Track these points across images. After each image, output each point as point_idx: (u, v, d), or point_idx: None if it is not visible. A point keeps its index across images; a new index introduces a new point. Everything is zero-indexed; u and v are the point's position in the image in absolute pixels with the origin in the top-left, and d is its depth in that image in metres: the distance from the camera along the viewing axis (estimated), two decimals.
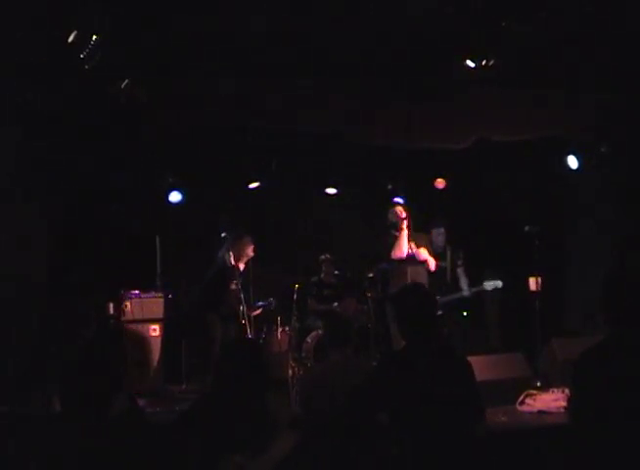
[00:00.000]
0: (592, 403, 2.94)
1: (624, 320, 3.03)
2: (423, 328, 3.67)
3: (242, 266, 7.72)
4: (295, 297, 8.11)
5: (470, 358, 3.85)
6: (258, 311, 7.90)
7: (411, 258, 7.17)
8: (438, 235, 7.74)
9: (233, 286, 7.58)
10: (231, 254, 7.56)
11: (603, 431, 2.90)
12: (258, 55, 6.53)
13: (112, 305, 7.78)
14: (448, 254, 7.75)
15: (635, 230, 8.18)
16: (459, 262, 7.75)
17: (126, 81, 6.13)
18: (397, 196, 9.23)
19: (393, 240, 7.20)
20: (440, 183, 9.31)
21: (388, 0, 5.64)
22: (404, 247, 7.07)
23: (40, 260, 6.89)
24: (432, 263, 7.35)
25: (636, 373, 2.89)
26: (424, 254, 7.28)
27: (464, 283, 7.70)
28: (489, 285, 7.61)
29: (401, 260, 7.17)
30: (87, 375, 3.04)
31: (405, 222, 7.07)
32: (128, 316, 7.74)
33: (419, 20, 5.99)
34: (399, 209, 7.26)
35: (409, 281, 6.89)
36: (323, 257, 8.79)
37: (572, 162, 8.41)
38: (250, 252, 7.72)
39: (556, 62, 6.84)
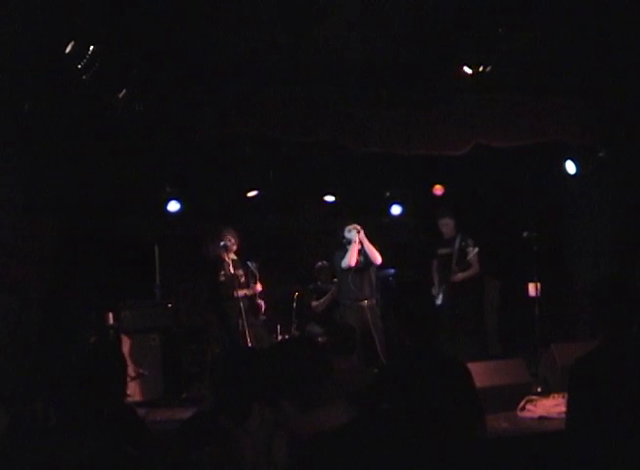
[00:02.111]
0: (588, 408, 2.95)
1: (618, 324, 3.03)
2: (423, 331, 3.67)
3: (227, 257, 7.71)
4: (294, 305, 8.10)
5: (470, 365, 3.86)
6: (258, 288, 7.79)
7: (356, 268, 7.64)
8: (443, 225, 8.09)
9: (222, 277, 7.60)
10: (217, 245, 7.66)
11: (599, 435, 2.90)
12: (256, 63, 6.55)
13: (111, 315, 7.78)
14: (457, 241, 7.87)
15: (633, 235, 8.18)
16: (469, 249, 7.84)
17: (124, 91, 6.13)
18: (396, 203, 9.26)
19: (344, 253, 7.65)
20: (439, 190, 9.32)
21: (388, 7, 5.65)
22: (354, 258, 7.57)
23: (40, 270, 6.89)
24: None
25: (631, 377, 2.90)
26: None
27: (474, 269, 7.89)
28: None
29: (348, 269, 7.61)
30: (86, 385, 3.03)
31: (359, 237, 7.57)
32: (127, 326, 7.73)
33: (417, 26, 6.01)
34: (355, 226, 7.64)
35: (357, 292, 7.58)
36: (320, 264, 8.78)
37: (571, 167, 8.41)
38: (227, 241, 7.72)
39: (554, 67, 6.86)
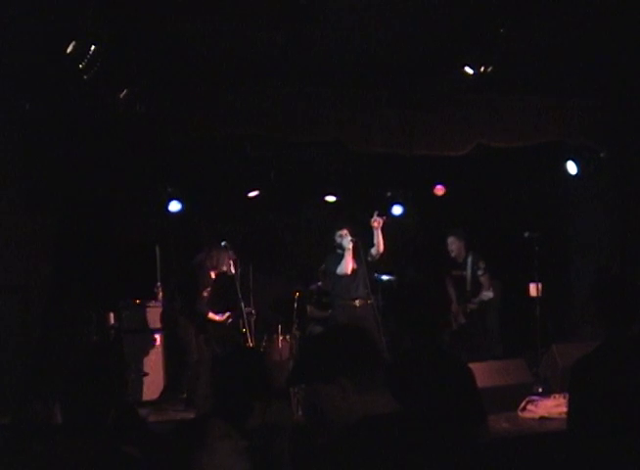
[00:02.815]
0: (589, 408, 2.94)
1: (618, 324, 3.03)
2: (424, 331, 3.66)
3: (213, 275, 7.59)
4: (295, 305, 8.10)
5: (471, 365, 3.85)
6: (223, 317, 7.68)
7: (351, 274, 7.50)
8: (449, 244, 8.10)
9: (205, 293, 7.49)
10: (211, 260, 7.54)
11: (600, 435, 2.89)
12: (257, 63, 6.55)
13: (112, 315, 7.78)
14: (469, 262, 7.88)
15: (634, 235, 8.17)
16: (479, 272, 7.92)
17: (125, 91, 6.13)
18: (397, 203, 9.26)
19: (338, 258, 7.50)
20: (440, 190, 9.32)
21: (388, 8, 5.64)
22: (350, 265, 7.43)
23: (41, 270, 6.89)
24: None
25: (631, 377, 2.90)
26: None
27: (487, 292, 7.91)
28: (485, 295, 7.93)
29: (345, 276, 7.48)
30: (88, 385, 3.03)
31: (352, 244, 7.38)
32: (128, 326, 7.73)
33: (418, 26, 6.01)
34: (345, 232, 7.47)
35: (352, 293, 7.45)
36: (324, 266, 8.76)
37: (572, 167, 8.41)
38: (222, 266, 7.57)
39: (554, 67, 6.86)
